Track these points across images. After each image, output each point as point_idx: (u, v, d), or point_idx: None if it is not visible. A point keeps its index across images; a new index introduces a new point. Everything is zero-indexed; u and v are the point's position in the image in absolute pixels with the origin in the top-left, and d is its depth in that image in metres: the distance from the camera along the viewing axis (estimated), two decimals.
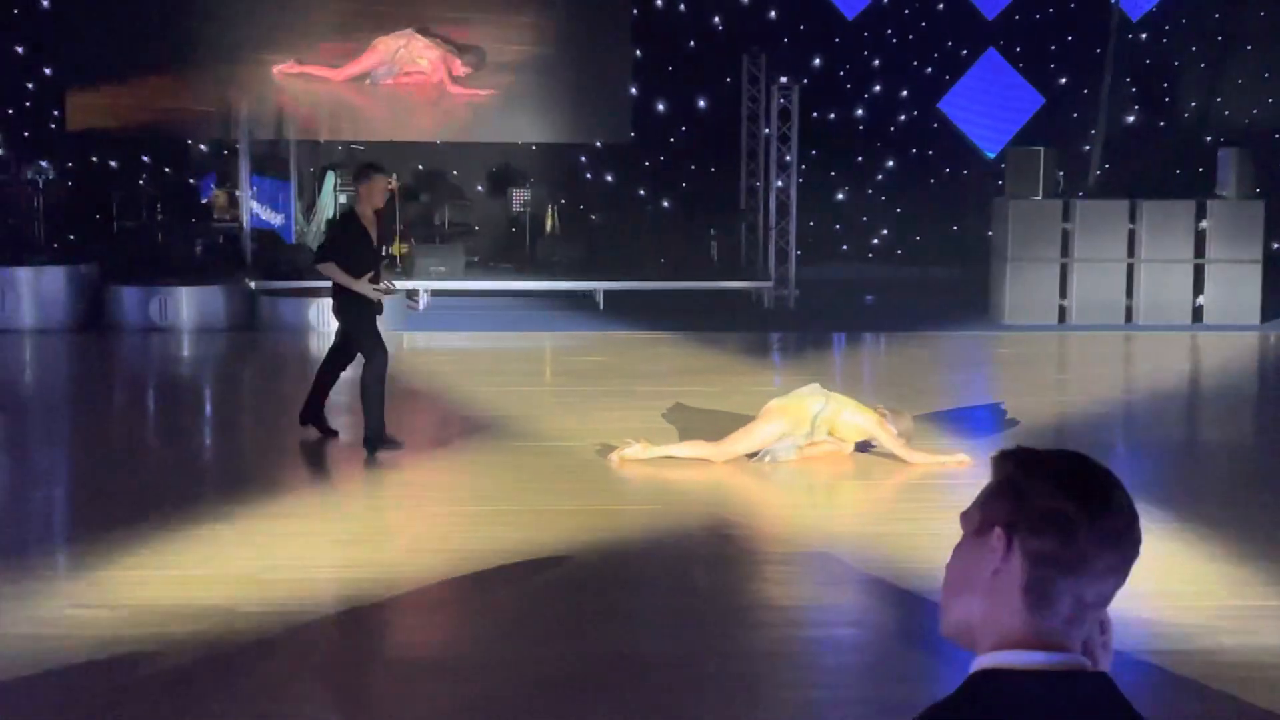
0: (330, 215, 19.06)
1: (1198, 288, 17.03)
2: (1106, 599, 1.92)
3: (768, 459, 9.46)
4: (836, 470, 9.57)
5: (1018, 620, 1.89)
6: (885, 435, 9.47)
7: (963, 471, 9.32)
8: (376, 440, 9.70)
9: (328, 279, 9.88)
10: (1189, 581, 7.10)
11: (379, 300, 9.82)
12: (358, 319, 9.83)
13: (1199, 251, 17.02)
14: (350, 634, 6.49)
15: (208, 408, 12.47)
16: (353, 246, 9.73)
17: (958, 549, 1.99)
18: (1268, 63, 20.72)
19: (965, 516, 1.99)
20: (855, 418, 9.52)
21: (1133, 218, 16.99)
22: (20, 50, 19.58)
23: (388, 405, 9.78)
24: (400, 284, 17.49)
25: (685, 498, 8.82)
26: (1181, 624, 6.46)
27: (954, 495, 8.55)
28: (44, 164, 18.36)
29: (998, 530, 1.91)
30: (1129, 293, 16.99)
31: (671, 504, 8.69)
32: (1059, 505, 1.88)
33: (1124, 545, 1.90)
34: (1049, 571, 1.88)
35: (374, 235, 9.84)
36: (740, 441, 9.55)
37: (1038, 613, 1.88)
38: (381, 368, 9.70)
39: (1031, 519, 1.90)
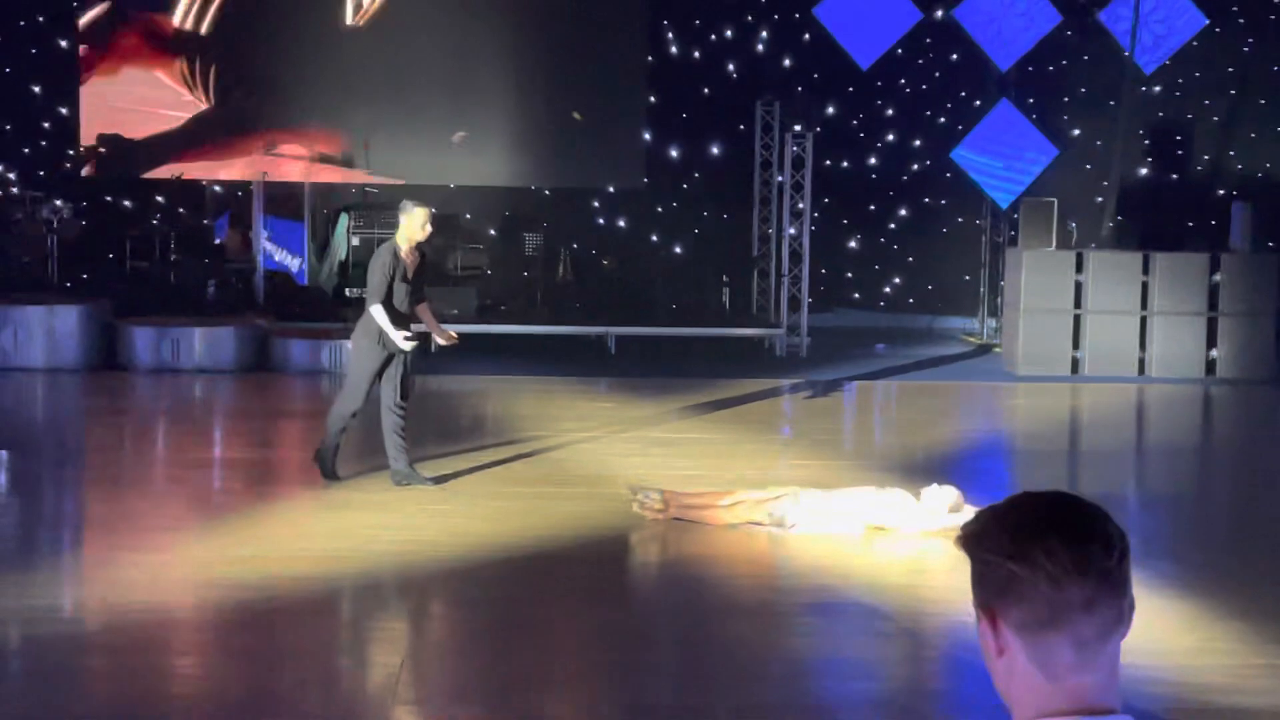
0: (342, 257, 19.10)
1: (1210, 341, 16.99)
2: (1109, 628, 1.87)
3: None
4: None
5: (1044, 691, 1.87)
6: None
7: None
8: (323, 463, 9.95)
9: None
10: (1219, 638, 7.04)
11: (408, 347, 9.82)
12: (362, 358, 9.82)
13: (1212, 305, 16.98)
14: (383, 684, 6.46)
15: (214, 445, 12.46)
16: (391, 282, 9.77)
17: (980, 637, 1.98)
18: None
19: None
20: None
21: (1146, 270, 16.97)
22: (37, 90, 19.67)
23: (342, 444, 10.05)
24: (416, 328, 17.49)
25: (705, 549, 8.74)
26: (1207, 681, 6.40)
27: None
28: (59, 203, 18.41)
29: (980, 614, 1.92)
30: (1142, 345, 16.94)
31: (690, 555, 8.63)
32: (1004, 571, 1.87)
33: (1089, 572, 1.85)
34: (1038, 633, 1.86)
35: (410, 269, 9.87)
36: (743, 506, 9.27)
37: (1055, 677, 1.86)
38: (349, 410, 9.88)
39: (994, 591, 1.89)
